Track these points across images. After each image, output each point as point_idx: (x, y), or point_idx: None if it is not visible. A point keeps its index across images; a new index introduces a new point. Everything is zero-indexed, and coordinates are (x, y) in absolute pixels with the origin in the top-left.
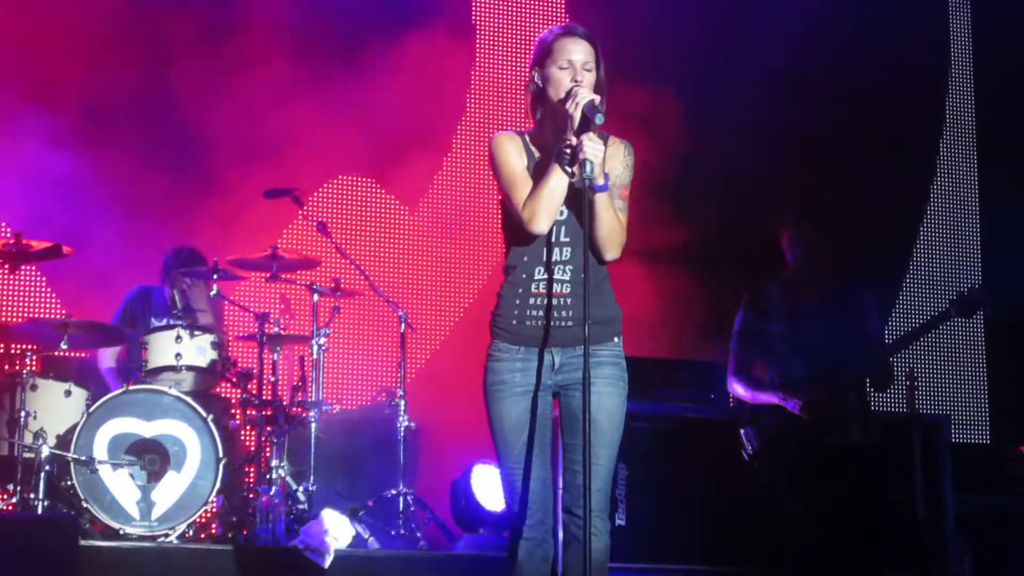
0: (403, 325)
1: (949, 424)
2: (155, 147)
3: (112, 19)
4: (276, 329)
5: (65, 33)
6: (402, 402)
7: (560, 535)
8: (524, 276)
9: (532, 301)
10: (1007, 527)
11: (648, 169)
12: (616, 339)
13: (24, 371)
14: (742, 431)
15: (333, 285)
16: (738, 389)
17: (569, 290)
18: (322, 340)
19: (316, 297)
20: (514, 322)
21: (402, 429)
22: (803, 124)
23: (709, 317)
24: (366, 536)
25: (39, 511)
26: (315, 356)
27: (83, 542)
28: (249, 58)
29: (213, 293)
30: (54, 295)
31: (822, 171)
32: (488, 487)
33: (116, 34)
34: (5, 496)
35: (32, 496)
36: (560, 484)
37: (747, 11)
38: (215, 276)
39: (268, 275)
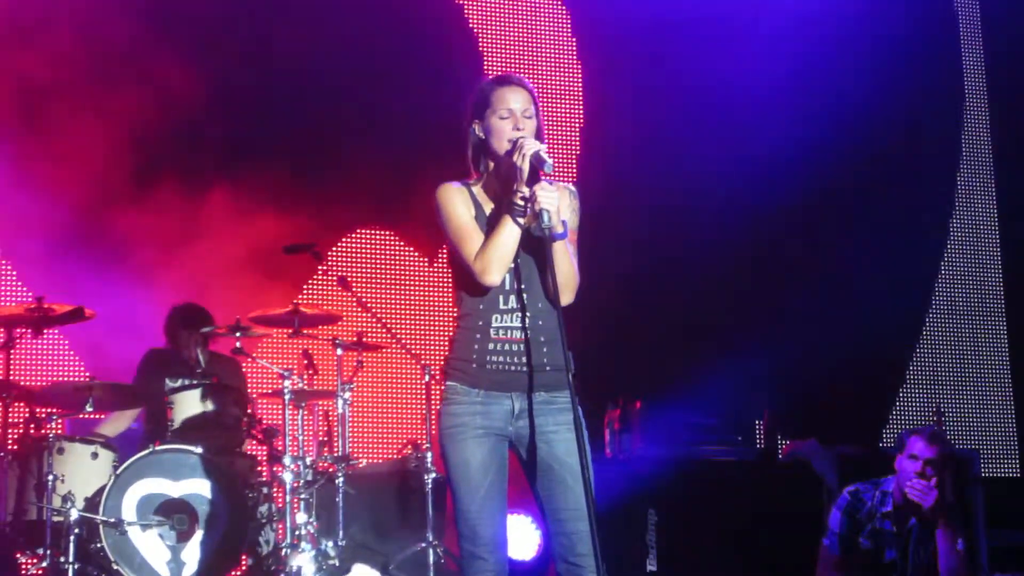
0: (427, 376)
1: (978, 459)
2: (171, 206)
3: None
4: (300, 385)
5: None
6: (428, 454)
7: None
8: (481, 323)
9: (491, 347)
10: None
11: None
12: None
13: (50, 435)
14: None
15: (356, 339)
16: None
17: (530, 335)
18: (346, 395)
19: (339, 351)
20: (473, 365)
21: (429, 481)
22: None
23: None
24: None
25: (70, 575)
26: (340, 411)
27: None
28: (263, 115)
29: (235, 350)
30: (77, 358)
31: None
32: (515, 537)
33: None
34: (36, 560)
35: (63, 560)
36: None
37: (756, 30)
38: (237, 334)
39: (290, 331)
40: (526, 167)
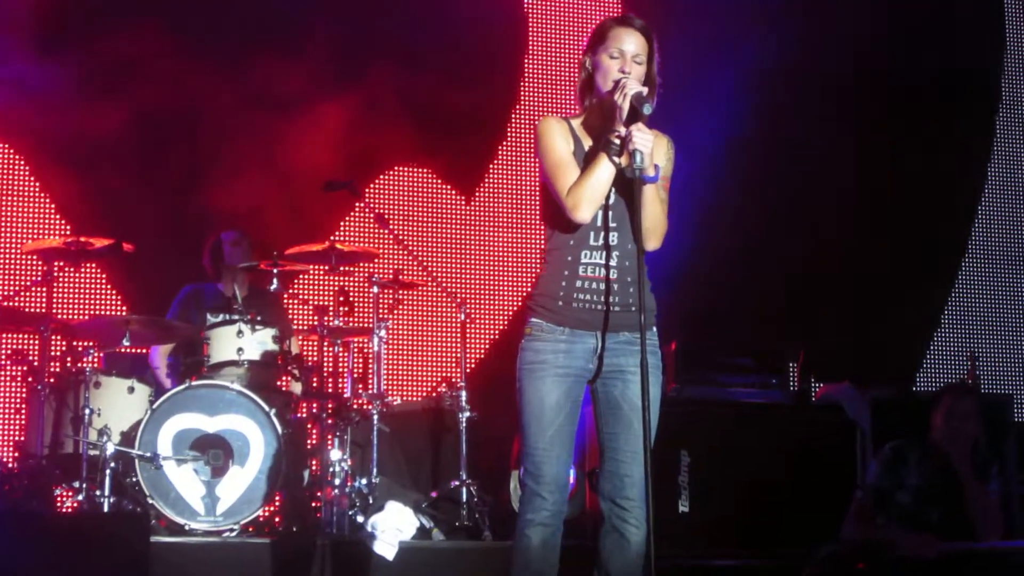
0: (462, 315)
1: (1013, 403)
2: (210, 143)
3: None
4: (336, 322)
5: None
6: (463, 393)
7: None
8: (570, 259)
9: (579, 284)
10: None
11: None
12: (654, 328)
13: (87, 368)
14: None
15: (392, 276)
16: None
17: (616, 275)
18: (382, 332)
19: (376, 289)
20: (560, 303)
21: (463, 420)
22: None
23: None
24: (430, 527)
25: (105, 508)
26: (376, 348)
27: (153, 538)
28: (302, 51)
29: (272, 287)
30: (115, 292)
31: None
32: None
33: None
34: (72, 493)
35: (98, 493)
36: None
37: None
38: (275, 270)
39: (327, 268)
40: (626, 106)
